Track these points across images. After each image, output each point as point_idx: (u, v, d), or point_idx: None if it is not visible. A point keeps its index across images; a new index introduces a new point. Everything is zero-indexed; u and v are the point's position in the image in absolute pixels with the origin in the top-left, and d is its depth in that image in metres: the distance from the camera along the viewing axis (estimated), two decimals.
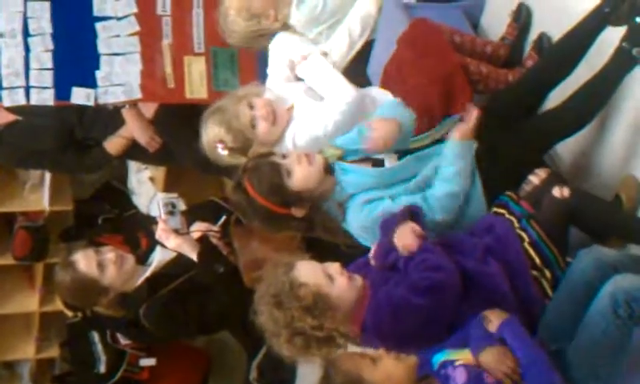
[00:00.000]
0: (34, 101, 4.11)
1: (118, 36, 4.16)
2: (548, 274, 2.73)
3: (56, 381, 5.74)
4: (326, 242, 3.24)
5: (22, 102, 4.12)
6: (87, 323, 4.67)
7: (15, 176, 5.60)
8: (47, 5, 4.08)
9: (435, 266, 2.60)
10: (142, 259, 3.86)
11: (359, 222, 3.06)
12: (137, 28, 4.19)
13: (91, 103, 4.16)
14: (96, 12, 4.14)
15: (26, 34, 4.08)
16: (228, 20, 3.80)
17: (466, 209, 3.07)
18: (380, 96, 3.53)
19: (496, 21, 3.95)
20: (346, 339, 2.62)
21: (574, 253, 2.71)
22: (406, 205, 2.93)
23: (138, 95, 4.24)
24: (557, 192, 2.82)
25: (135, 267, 3.78)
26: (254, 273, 2.96)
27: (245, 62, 4.24)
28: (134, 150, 4.64)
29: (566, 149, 3.39)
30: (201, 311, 3.73)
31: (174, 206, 3.76)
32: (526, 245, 2.77)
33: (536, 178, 2.99)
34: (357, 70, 3.81)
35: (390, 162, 3.14)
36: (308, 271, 2.63)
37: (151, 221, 4.04)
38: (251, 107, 3.40)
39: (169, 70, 4.23)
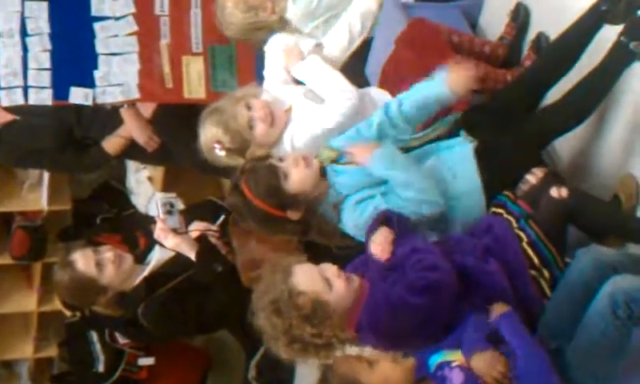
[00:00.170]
0: (32, 101, 4.11)
1: (116, 36, 4.16)
2: (546, 273, 2.73)
3: (54, 380, 5.74)
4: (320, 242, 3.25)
5: (20, 101, 4.11)
6: (86, 323, 4.68)
7: (13, 175, 5.60)
8: (45, 5, 4.08)
9: (431, 265, 2.60)
10: (141, 258, 3.86)
11: (353, 221, 3.06)
12: (135, 28, 4.19)
13: (89, 103, 4.16)
14: (94, 12, 4.14)
15: (23, 33, 4.07)
16: (225, 12, 3.81)
17: (463, 204, 3.06)
18: (379, 96, 3.54)
19: (494, 20, 3.95)
20: (344, 343, 2.63)
21: (573, 253, 2.71)
22: (384, 208, 2.94)
23: (136, 95, 4.24)
24: (555, 192, 2.82)
25: (134, 266, 3.78)
26: (252, 272, 2.96)
27: (243, 62, 4.25)
28: (133, 150, 4.64)
29: (565, 148, 3.39)
30: (199, 310, 3.73)
31: (172, 205, 3.76)
32: (525, 244, 2.77)
33: (533, 177, 2.98)
34: (355, 70, 3.80)
35: None
36: (306, 278, 2.61)
37: (150, 220, 4.04)
38: (249, 108, 3.40)
39: (167, 69, 4.23)
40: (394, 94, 3.48)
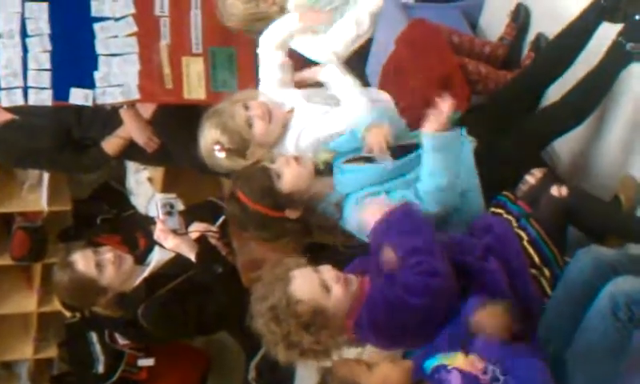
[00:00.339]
0: (32, 101, 4.11)
1: (115, 37, 4.15)
2: (547, 272, 2.73)
3: (54, 381, 5.74)
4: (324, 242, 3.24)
5: (20, 102, 4.11)
6: (85, 323, 4.67)
7: (13, 176, 5.60)
8: (45, 6, 4.07)
9: (431, 270, 2.58)
10: (141, 259, 3.86)
11: (357, 219, 3.07)
12: (135, 29, 4.18)
13: (89, 104, 4.15)
14: (94, 13, 4.13)
15: (23, 34, 4.07)
16: (227, 3, 3.82)
17: (463, 203, 3.06)
18: (379, 97, 3.53)
19: (495, 21, 3.95)
20: (343, 347, 2.63)
21: (573, 252, 2.71)
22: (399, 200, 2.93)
23: (136, 96, 4.23)
24: (555, 191, 2.82)
25: (133, 267, 3.78)
26: (253, 273, 2.96)
27: (243, 62, 4.24)
28: (132, 151, 4.64)
29: (565, 148, 3.39)
30: (199, 311, 3.73)
31: (172, 206, 3.76)
32: (525, 243, 2.77)
33: (532, 177, 2.99)
34: (355, 69, 3.80)
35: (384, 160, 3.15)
36: (304, 285, 2.60)
37: (149, 221, 4.04)
38: (247, 108, 3.40)
39: (167, 70, 4.23)
40: (393, 93, 3.49)
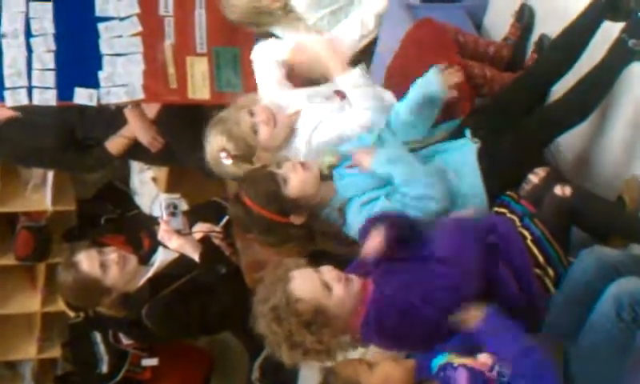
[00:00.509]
0: (36, 101, 4.11)
1: (120, 36, 4.15)
2: (551, 272, 2.73)
3: (58, 381, 5.74)
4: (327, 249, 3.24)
5: (25, 102, 4.11)
6: (89, 323, 4.67)
7: (17, 176, 5.60)
8: (49, 5, 4.07)
9: (456, 286, 2.57)
10: (145, 260, 3.86)
11: (359, 224, 3.06)
12: (139, 28, 4.18)
13: (94, 103, 4.15)
14: (98, 12, 4.13)
15: (28, 34, 4.07)
16: None
17: (465, 204, 3.06)
18: (384, 96, 3.53)
19: (499, 21, 3.95)
20: (346, 348, 2.62)
21: (576, 253, 2.71)
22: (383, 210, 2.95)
23: (141, 96, 4.23)
24: (558, 190, 2.82)
25: (138, 268, 3.78)
26: (257, 273, 2.96)
27: (247, 61, 4.22)
28: (137, 150, 4.63)
29: (568, 148, 3.39)
30: (203, 311, 3.73)
31: (175, 206, 3.76)
32: (529, 242, 2.77)
33: (536, 177, 2.99)
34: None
35: None
36: (305, 284, 2.60)
37: (153, 221, 4.03)
38: (252, 114, 3.39)
39: (171, 70, 4.22)
40: (398, 92, 3.48)
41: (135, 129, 4.46)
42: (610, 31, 3.10)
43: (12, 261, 5.69)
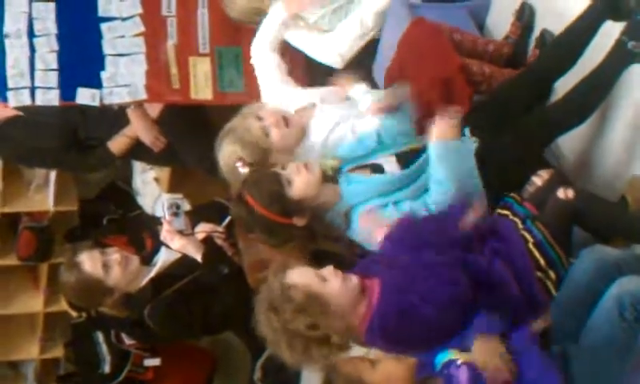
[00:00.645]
0: (39, 101, 4.12)
1: (123, 37, 4.16)
2: (552, 275, 2.72)
3: (60, 381, 5.74)
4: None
5: (28, 102, 4.12)
6: (92, 323, 4.68)
7: (20, 176, 5.60)
8: (52, 6, 4.09)
9: (454, 281, 2.58)
10: (147, 260, 3.86)
11: (365, 230, 3.06)
12: (142, 29, 4.19)
13: (96, 104, 4.16)
14: (101, 13, 4.15)
15: (31, 34, 4.08)
16: None
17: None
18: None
19: (501, 21, 3.94)
20: (345, 340, 2.61)
21: (578, 253, 2.71)
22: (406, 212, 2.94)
23: (143, 96, 4.24)
24: (561, 193, 2.81)
25: (140, 268, 3.78)
26: (259, 274, 2.95)
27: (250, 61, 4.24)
28: (139, 150, 4.64)
29: (569, 148, 3.39)
30: (205, 312, 3.73)
31: (178, 206, 3.76)
32: (531, 245, 2.76)
33: (539, 179, 2.98)
34: (362, 70, 3.80)
35: (389, 165, 3.14)
36: (299, 273, 2.62)
37: (156, 221, 4.04)
38: (259, 119, 3.38)
39: (174, 70, 4.24)
40: None
41: (138, 129, 4.47)
42: (611, 31, 3.09)
43: (14, 261, 5.69)
